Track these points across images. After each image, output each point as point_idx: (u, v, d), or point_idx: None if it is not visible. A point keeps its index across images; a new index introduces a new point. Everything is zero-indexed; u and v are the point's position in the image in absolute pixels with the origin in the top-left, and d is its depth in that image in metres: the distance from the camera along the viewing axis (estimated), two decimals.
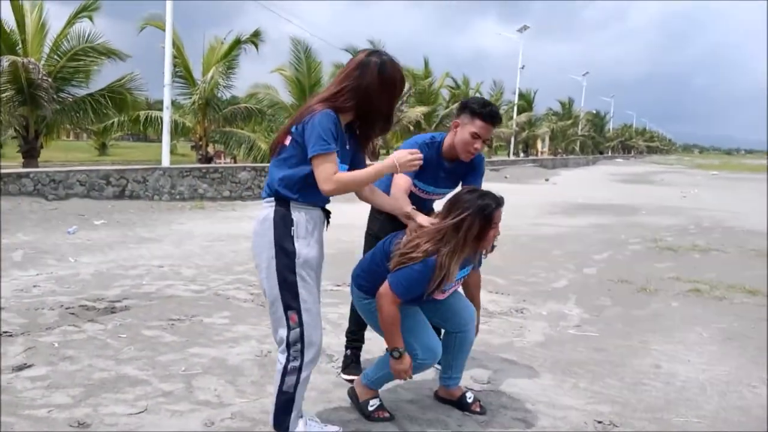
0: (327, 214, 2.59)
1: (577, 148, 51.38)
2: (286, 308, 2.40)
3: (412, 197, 3.12)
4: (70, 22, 13.27)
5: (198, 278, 5.69)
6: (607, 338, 4.41)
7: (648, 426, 3.02)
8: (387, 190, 2.99)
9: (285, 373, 2.44)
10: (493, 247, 2.84)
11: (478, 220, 2.62)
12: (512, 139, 35.74)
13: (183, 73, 17.14)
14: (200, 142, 17.48)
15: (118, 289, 5.15)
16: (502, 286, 5.81)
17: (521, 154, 38.86)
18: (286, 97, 21.27)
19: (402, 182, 3.05)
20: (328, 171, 2.29)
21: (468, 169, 3.25)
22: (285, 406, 2.45)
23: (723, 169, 47.33)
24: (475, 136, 3.03)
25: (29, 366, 3.40)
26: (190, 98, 17.24)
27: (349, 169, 2.48)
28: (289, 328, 2.41)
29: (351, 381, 3.28)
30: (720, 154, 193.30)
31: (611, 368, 3.81)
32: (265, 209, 2.45)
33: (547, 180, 25.34)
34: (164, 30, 15.59)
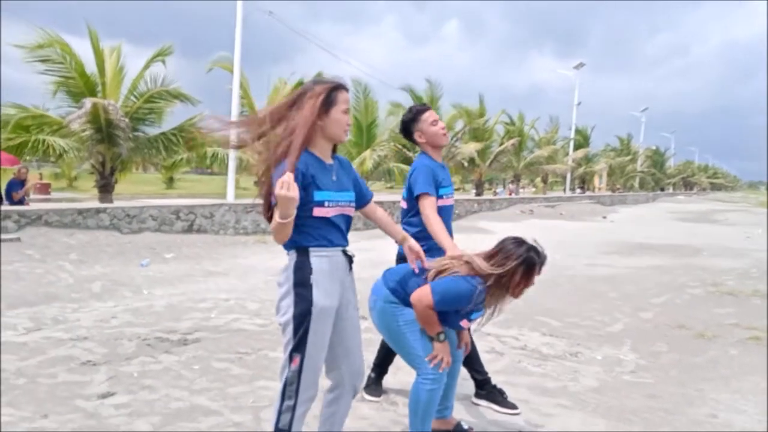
0: (349, 258, 2.69)
1: (636, 185, 50.33)
2: (293, 351, 2.50)
3: (443, 210, 3.47)
4: (147, 66, 14.16)
5: (262, 312, 5.98)
6: (663, 385, 4.43)
7: None
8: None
9: (280, 411, 2.54)
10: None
11: (521, 271, 2.81)
12: (568, 175, 35.40)
13: (248, 112, 17.95)
14: (262, 179, 18.13)
15: (189, 322, 5.49)
16: (557, 329, 5.86)
17: (577, 191, 38.37)
18: None
19: (431, 204, 3.42)
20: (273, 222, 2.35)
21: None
22: None
23: None
24: (433, 123, 3.55)
25: (113, 394, 3.72)
26: None
27: (357, 194, 2.71)
28: (289, 370, 2.52)
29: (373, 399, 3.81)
30: None
31: (665, 416, 3.84)
32: (287, 259, 2.58)
33: (604, 217, 24.93)
34: (231, 71, 16.47)
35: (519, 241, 2.88)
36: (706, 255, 12.86)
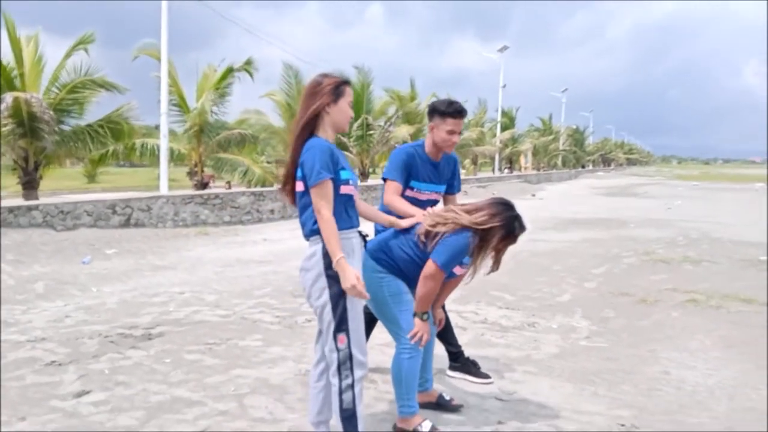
0: (363, 237, 2.87)
1: (560, 163, 52.18)
2: (336, 331, 2.66)
3: (412, 202, 3.49)
4: (68, 55, 13.51)
5: (221, 303, 5.92)
6: (617, 348, 4.73)
7: (666, 427, 3.33)
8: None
9: (341, 392, 2.68)
10: (497, 266, 3.14)
11: (501, 234, 2.94)
12: (496, 156, 36.31)
13: (177, 101, 17.45)
14: (195, 168, 17.71)
15: (148, 317, 5.38)
16: (511, 302, 6.11)
17: (505, 171, 39.45)
18: (276, 121, 21.64)
19: (394, 189, 3.46)
20: (320, 200, 2.57)
21: (450, 170, 3.73)
22: (350, 421, 2.69)
23: (703, 180, 48.30)
24: (450, 132, 3.49)
25: (88, 392, 3.63)
26: (184, 125, 17.54)
27: None
28: (338, 350, 2.67)
29: None
30: (698, 164, 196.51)
31: (625, 376, 4.11)
32: (311, 246, 2.71)
33: (533, 195, 25.80)
34: (158, 59, 15.93)
35: (508, 206, 3.01)
36: (633, 226, 13.59)
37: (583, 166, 62.97)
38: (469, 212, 2.96)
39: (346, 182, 2.69)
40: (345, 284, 2.57)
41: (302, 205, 2.70)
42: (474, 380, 3.94)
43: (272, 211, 14.29)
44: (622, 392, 3.82)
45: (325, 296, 2.65)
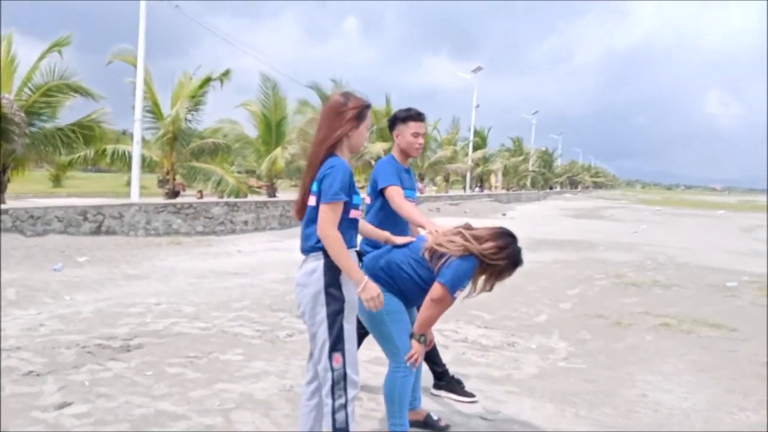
0: (360, 255, 2.91)
1: (529, 183, 52.97)
2: (332, 350, 2.66)
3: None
4: (42, 57, 13.29)
5: (200, 315, 5.86)
6: (595, 370, 4.82)
7: None
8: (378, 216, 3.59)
9: (335, 411, 2.67)
10: (491, 288, 3.22)
11: (509, 267, 3.05)
12: (468, 175, 36.70)
13: (151, 108, 17.25)
14: (167, 177, 17.49)
15: (125, 328, 5.29)
16: (490, 321, 6.18)
17: (476, 189, 39.86)
18: (251, 131, 21.56)
19: (402, 194, 3.53)
20: (329, 220, 2.59)
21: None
22: None
23: (666, 205, 49.49)
24: (415, 134, 3.67)
25: (69, 404, 3.56)
26: (157, 132, 17.33)
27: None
28: (333, 370, 2.67)
29: None
30: (661, 189, 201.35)
31: (604, 398, 4.20)
32: (311, 262, 2.70)
33: (504, 215, 26.11)
34: (133, 65, 15.77)
35: (513, 237, 3.09)
36: (603, 249, 13.86)
37: (551, 188, 64.04)
38: (478, 240, 3.02)
39: (357, 207, 2.74)
40: (369, 294, 2.63)
41: (310, 218, 2.71)
42: (459, 398, 3.97)
43: (246, 223, 14.19)
44: (602, 414, 3.90)
45: (322, 314, 2.65)
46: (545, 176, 60.37)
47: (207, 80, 17.31)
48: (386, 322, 3.08)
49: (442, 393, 4.04)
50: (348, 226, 2.72)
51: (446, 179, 33.97)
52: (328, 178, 2.61)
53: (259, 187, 22.93)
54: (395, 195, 3.47)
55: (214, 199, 16.32)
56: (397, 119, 3.70)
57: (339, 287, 2.66)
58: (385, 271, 3.10)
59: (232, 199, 15.04)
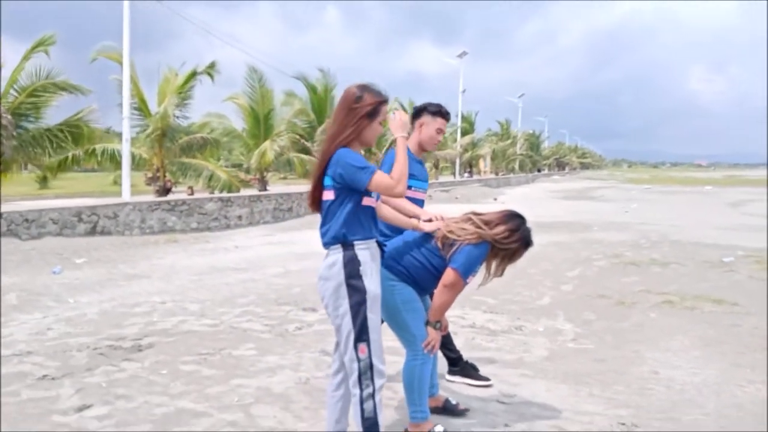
0: (381, 246, 2.91)
1: (517, 167, 53.10)
2: (357, 341, 2.68)
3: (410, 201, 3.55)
4: (26, 57, 13.10)
5: (206, 312, 5.86)
6: (603, 350, 4.87)
7: (664, 425, 3.46)
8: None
9: (362, 401, 2.70)
10: (502, 273, 3.26)
11: (521, 249, 3.09)
12: (457, 161, 36.72)
13: (138, 105, 17.08)
14: (158, 174, 17.36)
15: (134, 328, 5.28)
16: (494, 306, 6.22)
17: (465, 175, 39.91)
18: (239, 125, 21.43)
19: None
20: (385, 180, 2.62)
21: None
22: (372, 430, 2.72)
23: (654, 183, 49.88)
24: (438, 131, 3.73)
25: (89, 406, 3.56)
26: (145, 130, 17.18)
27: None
28: (359, 360, 2.69)
29: None
30: (648, 167, 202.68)
31: (616, 376, 4.25)
32: (331, 255, 2.72)
33: (495, 199, 26.19)
34: (117, 61, 15.61)
35: (522, 218, 3.12)
36: (597, 230, 13.96)
37: (539, 170, 64.25)
38: (488, 224, 3.04)
39: (369, 194, 2.74)
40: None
41: (328, 213, 2.71)
42: (474, 383, 4.01)
43: (240, 217, 14.15)
44: (616, 392, 3.95)
45: (345, 306, 2.68)
46: (533, 159, 60.55)
47: (193, 74, 17.15)
48: (401, 310, 3.10)
49: (457, 378, 4.08)
50: (363, 215, 2.72)
51: (436, 166, 33.94)
52: (346, 171, 2.62)
53: (248, 181, 22.85)
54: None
55: (207, 195, 16.22)
56: (427, 110, 3.70)
57: (360, 278, 2.68)
58: (398, 261, 3.12)
59: (225, 195, 14.98)
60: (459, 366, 4.09)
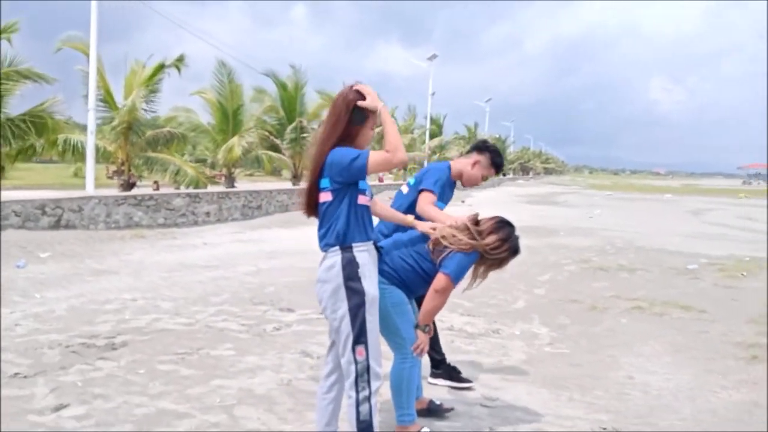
0: (378, 249, 2.91)
1: None
2: (355, 343, 2.66)
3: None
4: None
5: (180, 311, 5.75)
6: (579, 354, 4.95)
7: (643, 430, 3.53)
8: (407, 209, 3.59)
9: (358, 404, 2.67)
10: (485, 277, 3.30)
11: (510, 257, 3.12)
12: (425, 163, 36.86)
13: (103, 96, 16.68)
14: (122, 167, 16.98)
15: (106, 325, 5.15)
16: (471, 309, 6.26)
17: None
18: (206, 119, 21.13)
19: (431, 200, 3.58)
20: (381, 155, 2.59)
21: None
22: None
23: (615, 190, 50.92)
24: (484, 177, 3.79)
25: (66, 406, 3.46)
26: (110, 122, 16.79)
27: None
28: (356, 362, 2.67)
29: None
30: (608, 174, 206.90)
31: (594, 381, 4.32)
32: (329, 258, 2.69)
33: (463, 202, 26.37)
34: (83, 52, 15.24)
35: (512, 226, 3.15)
36: (563, 235, 14.18)
37: (504, 174, 64.98)
38: (481, 234, 3.06)
39: (363, 192, 2.72)
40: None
41: (326, 215, 2.69)
42: (457, 385, 4.03)
43: (208, 214, 13.95)
44: (595, 397, 4.02)
45: (344, 308, 2.66)
46: None
47: (161, 67, 16.81)
48: (392, 313, 3.09)
49: (439, 381, 4.09)
50: (359, 215, 2.70)
51: (404, 167, 34.05)
52: (342, 165, 2.61)
53: (214, 177, 22.54)
54: (425, 199, 3.54)
55: (174, 190, 15.94)
56: (491, 156, 3.77)
57: (359, 280, 2.66)
58: (388, 264, 3.12)
59: (193, 191, 14.73)
60: (442, 368, 4.10)
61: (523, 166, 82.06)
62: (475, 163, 3.77)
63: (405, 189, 3.80)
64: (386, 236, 3.40)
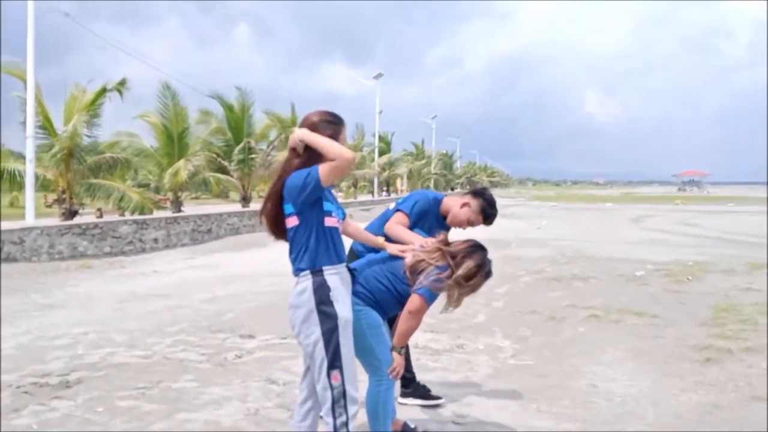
0: (351, 272, 2.89)
1: (432, 185, 54.19)
2: (330, 368, 2.63)
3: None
4: None
5: (136, 343, 5.55)
6: (543, 365, 5.02)
7: None
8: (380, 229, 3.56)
9: (336, 430, 2.64)
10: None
11: (481, 278, 3.14)
12: (375, 180, 37.05)
13: (42, 123, 16.11)
14: (63, 196, 16.39)
15: (58, 362, 4.93)
16: (433, 325, 6.25)
17: (383, 194, 40.31)
18: (151, 143, 20.66)
19: (400, 220, 3.57)
20: (328, 165, 2.56)
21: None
22: None
23: (559, 200, 52.22)
24: (470, 224, 3.78)
25: None
26: (49, 149, 16.22)
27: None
28: (332, 388, 2.63)
29: None
30: (551, 185, 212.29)
31: (559, 391, 4.38)
32: (301, 282, 2.67)
33: None
34: (19, 78, 14.77)
35: (485, 251, 3.16)
36: (515, 246, 14.42)
37: (452, 189, 65.83)
38: (455, 258, 3.07)
39: (329, 214, 2.69)
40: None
41: (294, 240, 2.67)
42: (427, 403, 4.02)
43: (156, 240, 13.59)
44: (562, 407, 4.07)
45: (317, 333, 2.62)
46: (447, 178, 62.10)
47: (102, 91, 16.40)
48: (367, 335, 3.06)
49: (410, 400, 4.07)
50: (328, 237, 2.67)
51: (354, 185, 34.12)
52: (297, 188, 2.60)
53: (159, 201, 22.03)
54: (394, 218, 3.55)
55: (119, 217, 15.48)
56: (485, 205, 3.72)
57: (331, 304, 2.63)
58: (362, 285, 3.09)
59: (140, 217, 14.33)
60: (411, 387, 4.09)
61: (470, 180, 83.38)
62: (464, 204, 3.73)
63: (392, 206, 3.79)
64: (361, 253, 3.38)
